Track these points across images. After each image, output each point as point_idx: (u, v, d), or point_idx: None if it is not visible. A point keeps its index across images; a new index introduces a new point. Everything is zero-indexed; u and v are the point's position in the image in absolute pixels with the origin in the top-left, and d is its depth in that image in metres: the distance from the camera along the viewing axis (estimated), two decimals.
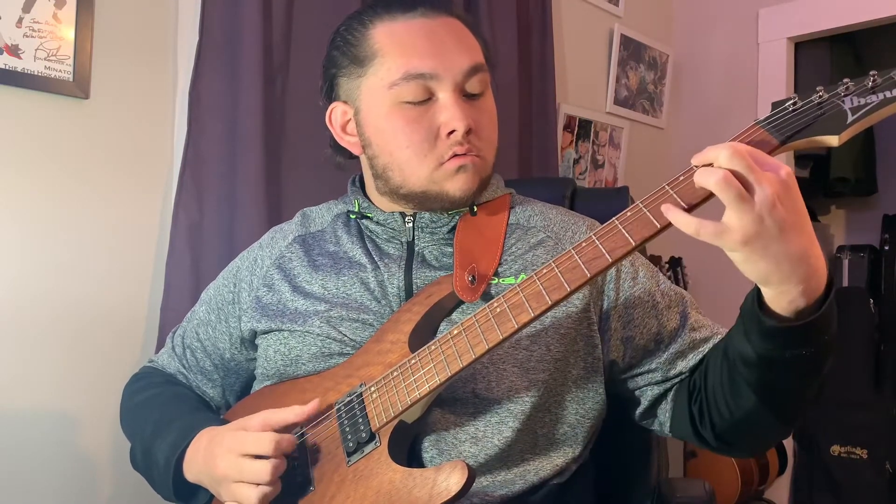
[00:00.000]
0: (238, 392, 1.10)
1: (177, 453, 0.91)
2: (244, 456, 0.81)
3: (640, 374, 0.96)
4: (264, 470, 0.79)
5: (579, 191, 1.29)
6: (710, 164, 0.68)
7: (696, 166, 0.70)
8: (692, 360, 0.94)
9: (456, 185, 0.92)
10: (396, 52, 0.92)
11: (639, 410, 0.98)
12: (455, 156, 0.91)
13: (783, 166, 0.68)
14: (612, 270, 0.95)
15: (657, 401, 0.96)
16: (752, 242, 0.68)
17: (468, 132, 0.91)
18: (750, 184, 0.66)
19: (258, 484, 0.80)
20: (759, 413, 0.83)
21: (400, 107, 0.92)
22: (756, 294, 0.75)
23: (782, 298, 0.72)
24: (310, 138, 1.58)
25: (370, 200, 1.02)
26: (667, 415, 0.96)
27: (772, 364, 0.77)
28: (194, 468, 0.89)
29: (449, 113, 0.90)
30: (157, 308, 1.41)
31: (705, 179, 0.67)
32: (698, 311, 0.99)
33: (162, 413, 1.00)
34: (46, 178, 1.30)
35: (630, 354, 0.95)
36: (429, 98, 0.91)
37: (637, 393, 0.98)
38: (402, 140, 0.92)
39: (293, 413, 0.83)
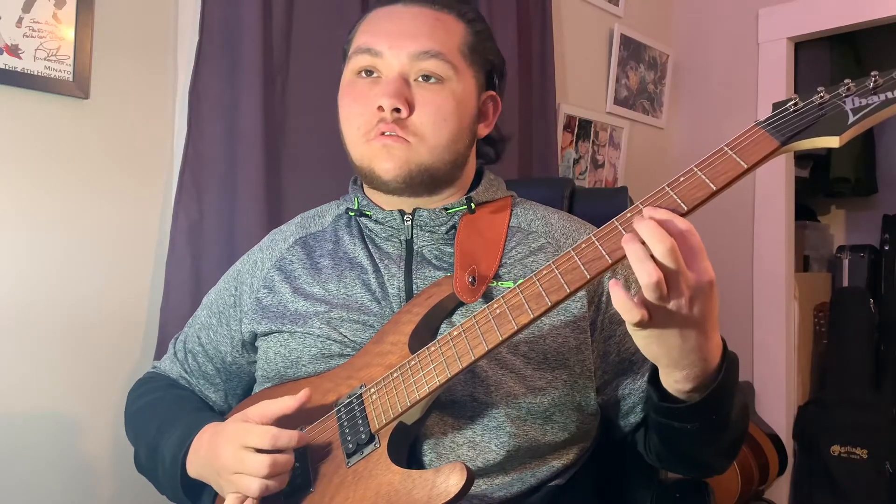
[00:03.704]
0: (240, 396, 1.09)
1: (183, 449, 0.90)
2: (246, 448, 0.81)
3: (618, 399, 0.97)
4: (263, 463, 0.79)
5: (578, 191, 1.29)
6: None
7: (620, 225, 0.72)
8: None
9: (382, 166, 0.93)
10: (361, 30, 0.99)
11: (618, 433, 1.01)
12: (382, 134, 0.92)
13: (708, 272, 0.69)
14: (607, 283, 0.95)
15: (637, 427, 0.99)
16: (651, 330, 0.71)
17: (397, 111, 0.91)
18: (672, 282, 0.67)
19: (253, 475, 0.80)
20: (671, 460, 0.94)
21: (354, 80, 0.96)
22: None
23: (668, 378, 0.79)
24: (310, 138, 1.58)
25: (370, 199, 1.02)
26: (636, 433, 1.01)
27: (662, 428, 0.86)
28: (196, 462, 0.89)
29: (381, 89, 0.92)
30: (157, 308, 1.41)
31: (639, 270, 0.67)
32: None
33: (166, 414, 1.00)
34: (46, 178, 1.30)
35: (603, 369, 0.95)
36: (379, 77, 0.94)
37: (618, 420, 0.99)
38: (348, 110, 0.96)
39: (285, 403, 0.83)
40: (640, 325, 0.70)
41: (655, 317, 0.69)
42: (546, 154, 2.13)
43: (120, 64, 1.39)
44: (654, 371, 0.81)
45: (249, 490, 0.79)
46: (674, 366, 0.76)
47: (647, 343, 0.74)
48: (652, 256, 0.67)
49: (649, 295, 0.67)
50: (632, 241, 0.68)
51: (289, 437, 0.81)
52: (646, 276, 0.66)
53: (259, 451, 0.80)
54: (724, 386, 0.78)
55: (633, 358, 0.95)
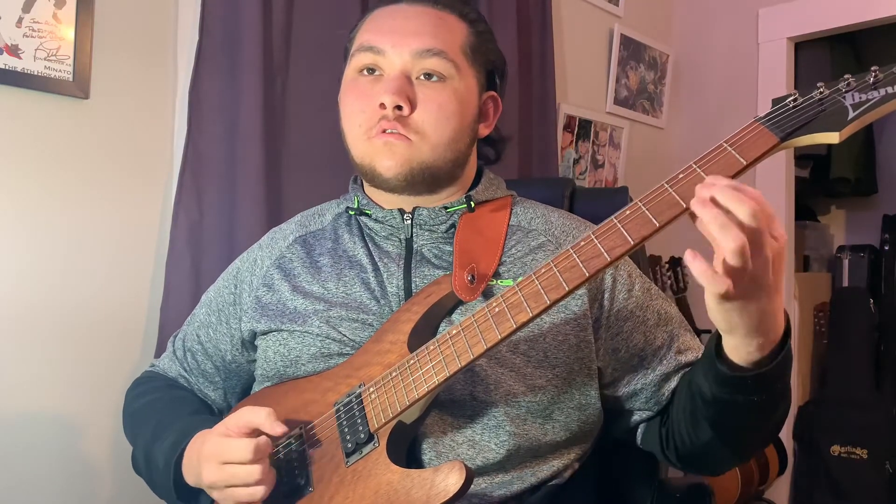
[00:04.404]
0: (239, 394, 1.09)
1: (175, 455, 0.90)
2: (227, 463, 0.81)
3: (629, 395, 0.96)
4: (254, 471, 0.80)
5: (578, 191, 1.29)
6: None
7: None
8: (674, 382, 0.95)
9: (383, 164, 0.93)
10: (364, 28, 0.99)
11: (624, 428, 1.01)
12: (383, 131, 0.92)
13: (784, 234, 0.69)
14: (609, 279, 0.95)
15: (643, 421, 0.98)
16: (734, 299, 0.68)
17: (399, 109, 0.91)
18: (756, 245, 0.65)
19: (251, 484, 0.80)
20: (714, 445, 0.87)
21: (356, 77, 0.96)
22: (717, 340, 0.78)
23: (742, 350, 0.75)
24: (310, 138, 1.58)
25: (370, 198, 1.02)
26: (640, 429, 1.00)
27: (725, 405, 0.81)
28: (192, 472, 0.89)
29: (383, 86, 0.92)
30: (157, 308, 1.41)
31: (724, 236, 0.64)
32: (688, 331, 1.00)
33: (162, 416, 1.00)
34: (46, 178, 1.30)
35: (613, 366, 0.95)
36: (382, 74, 0.94)
37: (627, 415, 0.99)
38: (349, 108, 0.96)
39: (266, 422, 0.81)
40: (726, 296, 0.66)
41: (739, 286, 0.66)
42: (546, 154, 2.13)
43: (120, 64, 1.39)
44: (714, 349, 0.78)
45: (254, 497, 0.80)
46: (754, 333, 0.72)
47: (728, 316, 0.70)
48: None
49: (734, 260, 0.64)
50: (707, 205, 0.65)
51: (266, 442, 0.81)
52: (731, 241, 0.63)
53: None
54: (789, 351, 0.77)
55: (641, 354, 0.95)
